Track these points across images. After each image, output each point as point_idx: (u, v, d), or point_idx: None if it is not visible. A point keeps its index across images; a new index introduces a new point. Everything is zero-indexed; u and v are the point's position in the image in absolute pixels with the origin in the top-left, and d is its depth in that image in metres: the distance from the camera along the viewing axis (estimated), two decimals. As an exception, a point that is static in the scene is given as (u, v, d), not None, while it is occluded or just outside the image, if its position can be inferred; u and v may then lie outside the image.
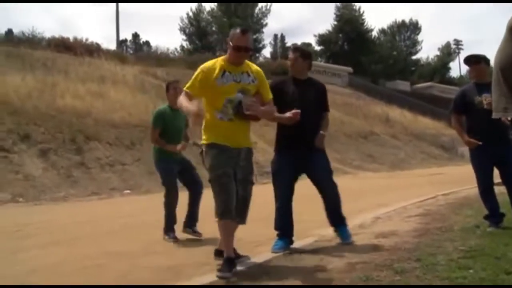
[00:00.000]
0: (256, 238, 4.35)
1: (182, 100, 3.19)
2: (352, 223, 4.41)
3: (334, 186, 3.84)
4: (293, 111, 3.41)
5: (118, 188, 12.22)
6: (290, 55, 3.97)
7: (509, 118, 2.19)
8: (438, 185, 10.38)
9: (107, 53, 26.07)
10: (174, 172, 4.80)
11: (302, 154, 3.74)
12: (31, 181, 11.10)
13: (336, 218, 3.87)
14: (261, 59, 49.12)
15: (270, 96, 3.40)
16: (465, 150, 32.79)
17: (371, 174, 18.17)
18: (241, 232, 3.43)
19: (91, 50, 24.87)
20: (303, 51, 4.06)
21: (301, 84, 3.87)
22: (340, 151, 21.38)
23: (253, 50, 2.98)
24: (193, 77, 3.27)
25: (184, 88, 3.30)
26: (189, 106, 3.08)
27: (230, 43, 3.21)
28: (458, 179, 12.39)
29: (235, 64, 3.26)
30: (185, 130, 5.03)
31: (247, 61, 3.38)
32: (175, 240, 4.67)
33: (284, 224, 3.82)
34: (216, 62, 3.27)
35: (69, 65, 20.76)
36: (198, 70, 3.30)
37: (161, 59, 31.47)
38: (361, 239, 4.11)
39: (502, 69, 2.15)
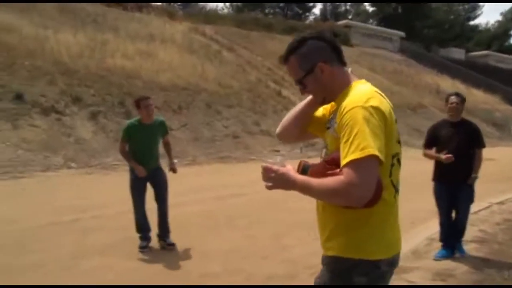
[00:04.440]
0: (310, 261, 4.12)
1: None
2: (405, 248, 4.26)
3: (466, 213, 4.60)
4: (447, 155, 4.24)
5: (164, 155, 12.44)
6: (454, 99, 4.39)
7: None
8: (491, 180, 9.90)
9: (156, 8, 25.91)
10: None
11: (455, 185, 4.46)
12: (81, 145, 11.40)
13: (457, 236, 4.61)
14: (310, 18, 47.69)
15: None
16: (516, 127, 30.82)
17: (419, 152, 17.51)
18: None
19: (141, 5, 24.73)
20: (463, 98, 4.51)
21: (455, 126, 4.45)
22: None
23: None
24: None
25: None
26: None
27: None
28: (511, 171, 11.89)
29: None
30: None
31: None
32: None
33: (446, 237, 4.58)
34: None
35: (119, 21, 20.75)
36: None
37: (209, 15, 31.03)
38: (415, 276, 3.96)
39: None
